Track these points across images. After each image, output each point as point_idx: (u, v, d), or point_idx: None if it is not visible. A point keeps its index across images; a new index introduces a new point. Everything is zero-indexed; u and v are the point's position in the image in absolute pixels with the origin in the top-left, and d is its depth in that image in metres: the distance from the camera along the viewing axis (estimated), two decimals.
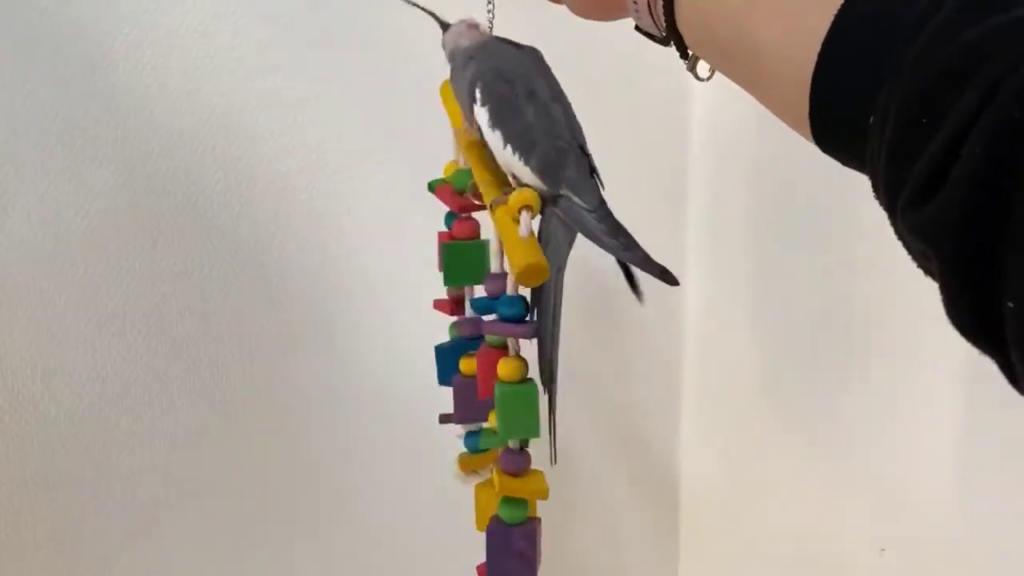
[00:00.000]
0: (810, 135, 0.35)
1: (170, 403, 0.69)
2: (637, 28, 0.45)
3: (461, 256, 0.55)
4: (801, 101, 0.34)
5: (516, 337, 0.46)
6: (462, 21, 0.50)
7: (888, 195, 0.30)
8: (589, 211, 0.46)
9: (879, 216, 0.32)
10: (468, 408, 0.54)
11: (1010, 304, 0.25)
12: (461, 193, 0.54)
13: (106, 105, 0.65)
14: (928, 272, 0.29)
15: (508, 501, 0.49)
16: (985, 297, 0.26)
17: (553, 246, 0.49)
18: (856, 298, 0.88)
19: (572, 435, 0.92)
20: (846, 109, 0.32)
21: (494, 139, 0.46)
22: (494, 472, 0.50)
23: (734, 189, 1.00)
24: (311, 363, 0.76)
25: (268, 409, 0.74)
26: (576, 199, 0.46)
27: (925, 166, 0.27)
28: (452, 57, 0.48)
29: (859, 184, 0.33)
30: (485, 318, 0.51)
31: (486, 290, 0.49)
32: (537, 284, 0.45)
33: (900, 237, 0.30)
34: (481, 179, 0.50)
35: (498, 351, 0.48)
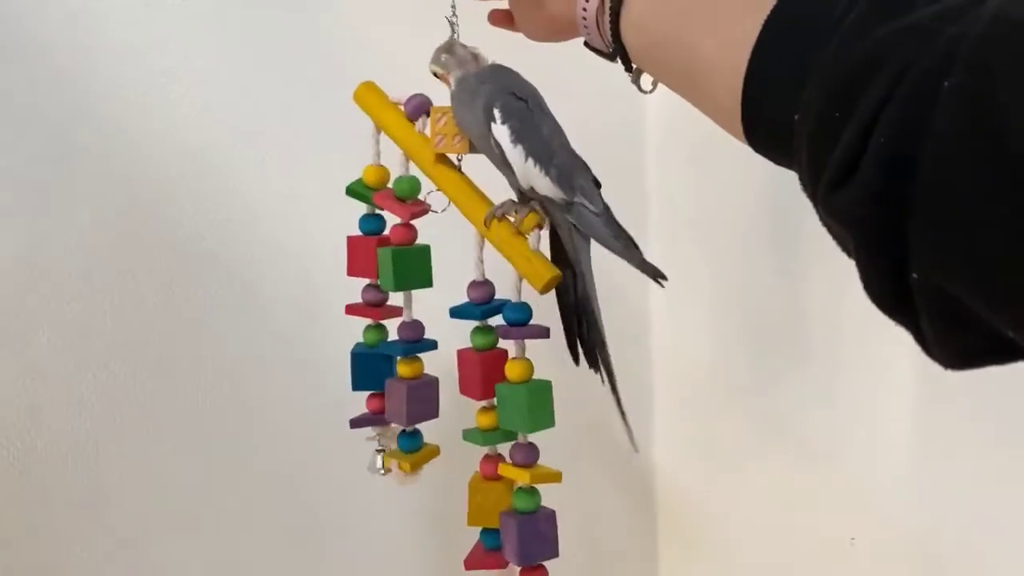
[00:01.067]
0: (743, 137, 0.38)
1: (156, 431, 0.70)
2: (586, 44, 0.49)
3: (409, 261, 0.55)
4: (734, 105, 0.37)
5: (535, 339, 0.51)
6: (464, 47, 0.53)
7: (811, 184, 0.33)
8: (596, 215, 0.51)
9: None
10: (420, 409, 0.56)
11: (915, 275, 0.28)
12: (403, 200, 0.56)
13: (86, 143, 0.66)
14: (847, 252, 0.32)
15: (523, 492, 0.52)
16: (895, 271, 0.29)
17: (580, 254, 0.53)
18: (814, 297, 0.92)
19: (545, 444, 0.94)
20: (774, 110, 0.35)
21: (515, 154, 0.49)
22: (500, 467, 0.53)
23: (690, 192, 1.04)
24: (294, 384, 0.77)
25: (253, 432, 0.75)
26: (588, 205, 0.51)
27: (839, 155, 0.30)
28: (461, 81, 0.51)
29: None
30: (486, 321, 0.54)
31: (471, 296, 0.53)
32: (550, 290, 0.50)
33: (823, 222, 0.33)
34: (462, 193, 0.53)
35: (494, 353, 0.52)
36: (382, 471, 0.59)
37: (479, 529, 0.56)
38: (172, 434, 0.71)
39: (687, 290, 1.04)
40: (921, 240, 0.28)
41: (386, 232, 0.58)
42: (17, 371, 0.64)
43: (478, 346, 0.53)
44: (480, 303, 0.53)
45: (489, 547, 0.55)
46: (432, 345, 0.57)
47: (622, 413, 0.55)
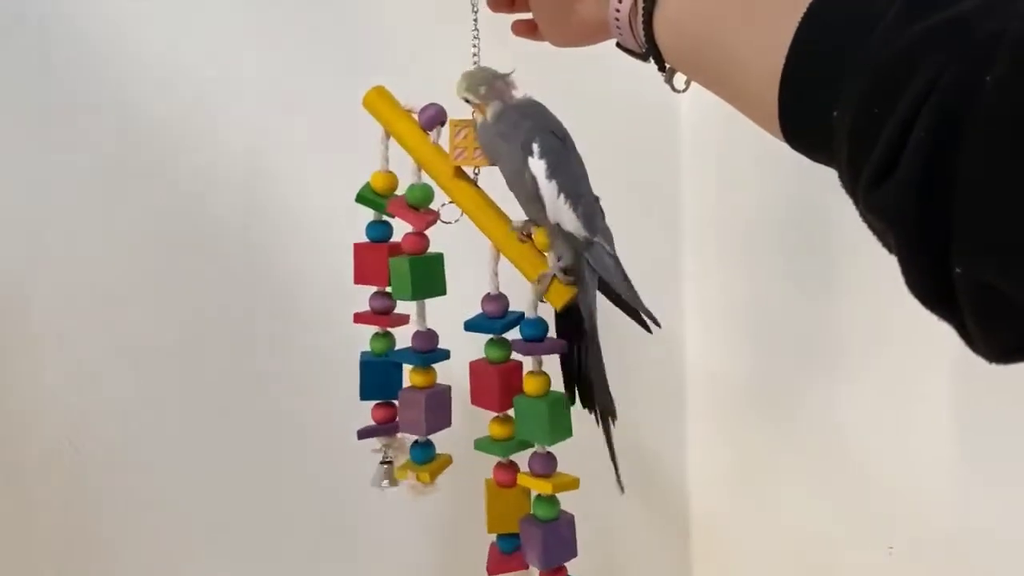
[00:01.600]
0: (780, 134, 0.38)
1: (199, 436, 0.72)
2: (618, 45, 0.49)
3: (426, 270, 0.54)
4: (771, 102, 0.37)
5: (552, 354, 0.52)
6: (502, 79, 0.53)
7: (851, 181, 0.33)
8: (611, 257, 0.52)
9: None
10: (437, 418, 0.56)
11: (958, 269, 0.28)
12: (416, 209, 0.55)
13: (135, 149, 0.68)
14: (888, 248, 0.32)
15: (543, 500, 0.53)
16: (937, 266, 0.29)
17: (590, 291, 0.53)
18: (849, 304, 0.91)
19: (580, 455, 0.94)
20: (812, 107, 0.35)
21: (549, 188, 0.50)
22: (520, 478, 0.53)
23: (725, 203, 1.04)
24: (341, 387, 0.78)
25: (292, 439, 0.77)
26: (606, 246, 0.52)
27: (880, 151, 0.30)
28: (502, 114, 0.51)
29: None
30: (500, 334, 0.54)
31: (486, 310, 0.53)
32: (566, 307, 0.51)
33: (864, 219, 0.33)
34: (479, 208, 0.53)
35: (510, 365, 0.53)
36: (388, 484, 0.59)
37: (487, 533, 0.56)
38: (214, 439, 0.72)
39: (721, 302, 1.04)
40: (963, 234, 0.28)
41: (393, 240, 0.58)
42: (68, 376, 0.66)
43: (493, 359, 0.53)
44: (496, 317, 0.53)
45: (506, 551, 0.55)
46: (445, 355, 0.57)
47: (612, 453, 0.55)
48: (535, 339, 0.52)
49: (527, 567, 0.54)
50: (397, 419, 0.58)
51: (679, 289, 1.07)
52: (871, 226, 0.33)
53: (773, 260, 0.99)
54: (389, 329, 0.59)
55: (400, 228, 0.56)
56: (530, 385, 0.52)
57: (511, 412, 0.53)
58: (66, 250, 0.65)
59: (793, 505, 0.99)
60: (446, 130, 0.53)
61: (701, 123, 1.03)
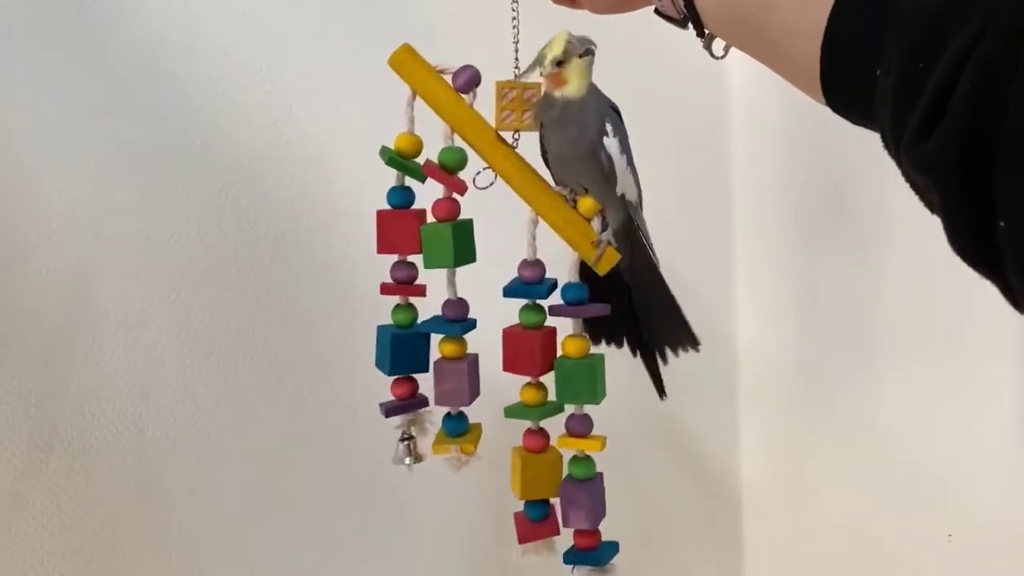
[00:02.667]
0: (822, 97, 0.38)
1: (256, 418, 0.73)
2: (656, 12, 0.49)
3: (463, 237, 0.53)
4: (812, 64, 0.37)
5: (596, 315, 0.53)
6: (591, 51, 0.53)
7: (894, 138, 0.33)
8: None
9: (920, 206, 0.34)
10: (475, 387, 0.55)
11: (1002, 224, 0.28)
12: (452, 172, 0.53)
13: (191, 141, 0.70)
14: (931, 207, 0.32)
15: (581, 460, 0.54)
16: (981, 221, 0.29)
17: (640, 249, 0.57)
18: (901, 291, 0.90)
19: (631, 444, 0.94)
20: (855, 66, 0.35)
21: (621, 162, 0.52)
22: (563, 440, 0.54)
23: (776, 191, 1.03)
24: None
25: (350, 422, 0.78)
26: (642, 225, 0.55)
27: (924, 105, 0.30)
28: (590, 87, 0.52)
29: (898, 172, 0.36)
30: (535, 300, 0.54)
31: (524, 275, 0.53)
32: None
33: (906, 176, 0.33)
34: (523, 173, 0.53)
35: (548, 330, 0.53)
36: (412, 461, 0.58)
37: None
38: (271, 420, 0.74)
39: (773, 288, 1.03)
40: (1009, 187, 0.27)
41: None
42: (130, 359, 0.67)
43: (530, 324, 0.53)
44: (534, 282, 0.53)
45: (536, 518, 0.55)
46: (474, 323, 0.56)
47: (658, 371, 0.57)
48: (579, 302, 0.52)
49: (559, 532, 0.55)
50: (418, 393, 0.57)
51: (730, 276, 1.06)
52: (913, 184, 0.32)
53: (825, 246, 0.98)
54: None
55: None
56: (574, 347, 0.53)
57: (542, 378, 0.53)
58: (128, 235, 0.67)
59: (847, 491, 0.98)
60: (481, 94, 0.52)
61: (754, 104, 1.02)
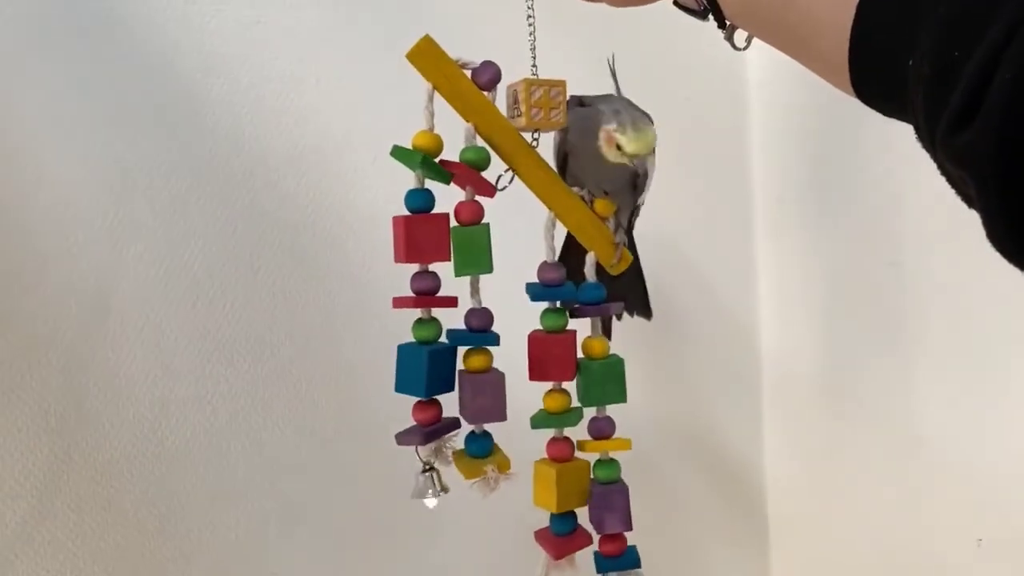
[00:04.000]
0: (851, 88, 0.37)
1: (275, 427, 0.73)
2: (676, 3, 0.48)
3: (488, 240, 0.50)
4: (840, 54, 0.36)
5: (612, 314, 0.53)
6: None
7: (928, 129, 0.31)
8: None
9: (948, 202, 0.33)
10: (502, 404, 0.51)
11: None
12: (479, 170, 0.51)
13: (208, 149, 0.70)
14: (966, 199, 0.31)
15: (607, 463, 0.53)
16: (1021, 213, 0.28)
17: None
18: (928, 289, 0.89)
19: (656, 450, 0.93)
20: (885, 57, 0.34)
21: (651, 174, 0.54)
22: (589, 445, 0.53)
23: (797, 189, 1.01)
24: None
25: (369, 430, 0.77)
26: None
27: (960, 95, 0.29)
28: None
29: (926, 168, 0.35)
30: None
31: (547, 278, 0.51)
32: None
33: (941, 169, 0.32)
34: (547, 174, 0.51)
35: (565, 335, 0.51)
36: (435, 493, 0.53)
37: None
38: (291, 428, 0.73)
39: (796, 286, 1.02)
40: None
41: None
42: (148, 369, 0.67)
43: (553, 328, 0.51)
44: (555, 285, 0.51)
45: (564, 532, 0.53)
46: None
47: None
48: (599, 301, 0.51)
49: (591, 541, 0.53)
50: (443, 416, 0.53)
51: (752, 276, 1.05)
52: (949, 177, 0.31)
53: (849, 243, 0.97)
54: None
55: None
56: (597, 348, 0.52)
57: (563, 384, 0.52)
58: (145, 246, 0.67)
59: (874, 494, 0.96)
60: (501, 91, 0.51)
61: (773, 98, 1.01)
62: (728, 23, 0.46)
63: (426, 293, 0.50)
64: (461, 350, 0.52)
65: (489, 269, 0.50)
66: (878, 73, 0.35)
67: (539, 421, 0.52)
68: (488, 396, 0.51)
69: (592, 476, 0.53)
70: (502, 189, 0.51)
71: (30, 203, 0.62)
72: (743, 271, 1.04)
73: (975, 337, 0.85)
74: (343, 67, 0.77)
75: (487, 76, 0.50)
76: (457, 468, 0.53)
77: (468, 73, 0.50)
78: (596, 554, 0.53)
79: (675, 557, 0.98)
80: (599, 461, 0.53)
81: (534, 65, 0.52)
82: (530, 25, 0.52)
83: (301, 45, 0.75)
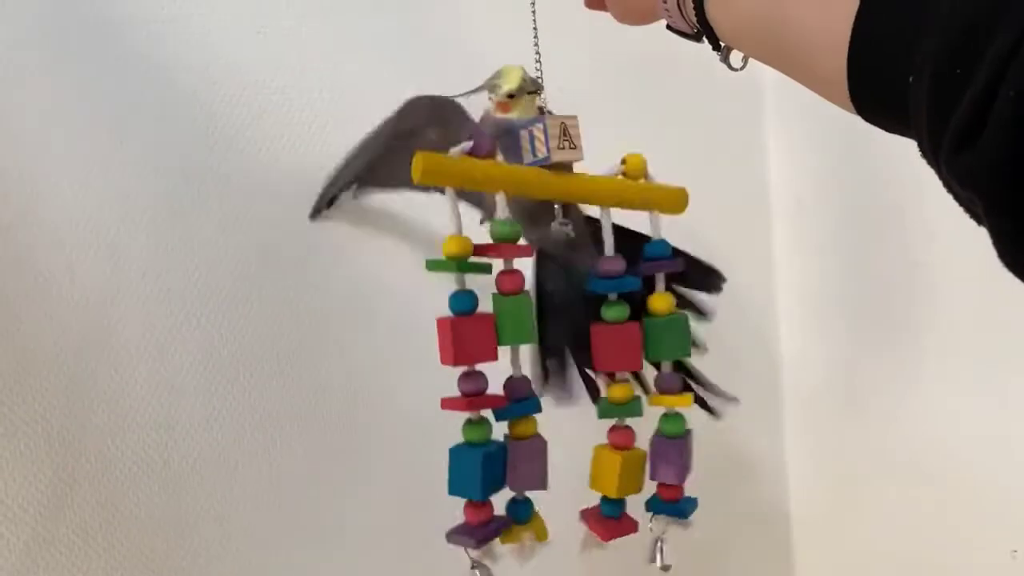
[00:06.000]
0: (851, 106, 0.36)
1: (284, 445, 0.71)
2: (669, 27, 0.47)
3: (531, 311, 0.51)
4: (839, 74, 0.35)
5: (674, 271, 0.56)
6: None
7: (932, 148, 0.31)
8: None
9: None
10: (537, 475, 0.53)
11: None
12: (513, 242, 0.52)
13: (210, 164, 0.69)
14: (976, 218, 0.30)
15: (672, 417, 0.56)
16: None
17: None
18: (954, 288, 0.86)
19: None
20: (884, 75, 0.33)
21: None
22: (654, 399, 0.56)
23: (815, 187, 0.99)
24: (419, 400, 0.77)
25: (382, 447, 0.76)
26: None
27: (963, 113, 0.28)
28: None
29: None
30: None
31: (607, 270, 0.54)
32: None
33: (947, 187, 0.31)
34: (595, 180, 0.54)
35: (629, 325, 0.54)
36: None
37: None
38: (299, 447, 0.72)
39: (816, 293, 0.99)
40: None
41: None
42: (153, 388, 0.66)
43: (616, 318, 0.54)
44: (616, 277, 0.53)
45: (611, 515, 0.56)
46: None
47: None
48: (665, 257, 0.55)
49: (637, 528, 0.56)
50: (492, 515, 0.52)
51: (771, 287, 1.03)
52: (956, 195, 0.31)
53: (869, 252, 0.95)
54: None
55: None
56: (662, 303, 0.55)
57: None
58: (147, 263, 0.66)
59: (903, 509, 0.94)
60: None
61: (790, 105, 0.99)
62: (723, 44, 0.45)
63: (475, 394, 0.50)
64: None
65: (532, 339, 0.52)
66: (877, 91, 0.34)
67: (604, 411, 0.55)
68: (533, 464, 0.53)
69: (659, 427, 0.56)
70: (564, 225, 0.55)
71: (29, 220, 0.61)
72: (762, 283, 1.02)
73: (1003, 339, 0.83)
74: (347, 77, 0.75)
75: (485, 146, 0.50)
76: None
77: (457, 150, 0.49)
78: (653, 496, 0.57)
79: (696, 561, 0.96)
80: (664, 415, 0.56)
81: (539, 70, 0.53)
82: (534, 30, 0.53)
83: (304, 55, 0.74)
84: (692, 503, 0.57)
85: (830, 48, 0.35)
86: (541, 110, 0.53)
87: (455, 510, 0.78)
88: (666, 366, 0.56)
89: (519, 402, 0.52)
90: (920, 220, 0.88)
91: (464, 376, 0.50)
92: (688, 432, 0.57)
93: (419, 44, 0.79)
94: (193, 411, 0.68)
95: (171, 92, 0.68)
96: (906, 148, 0.35)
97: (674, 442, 0.56)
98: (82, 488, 0.63)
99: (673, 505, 0.56)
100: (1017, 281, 0.30)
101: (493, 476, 0.51)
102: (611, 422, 0.56)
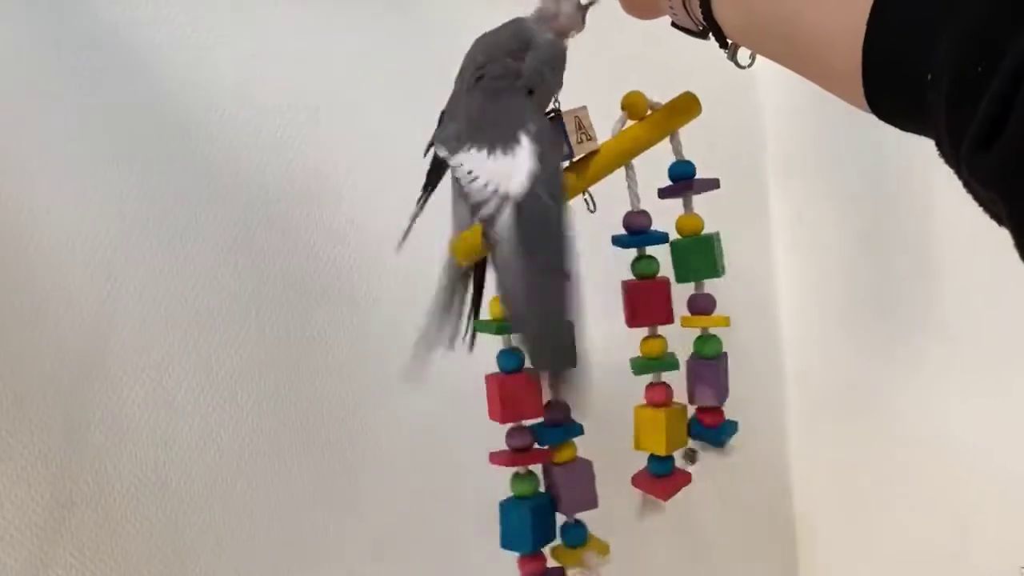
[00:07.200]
0: (865, 105, 0.35)
1: (282, 464, 0.71)
2: (674, 24, 0.47)
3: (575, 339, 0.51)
4: (853, 72, 0.34)
5: (709, 191, 0.56)
6: None
7: (952, 147, 0.30)
8: None
9: (975, 206, 0.31)
10: (587, 496, 0.54)
11: None
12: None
13: (206, 185, 0.69)
14: (997, 218, 0.29)
15: (708, 338, 0.57)
16: None
17: None
18: (957, 296, 0.85)
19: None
20: (902, 72, 0.32)
21: None
22: (686, 320, 0.56)
23: (817, 201, 0.99)
24: (418, 417, 0.77)
25: (377, 466, 0.75)
26: None
27: (984, 112, 0.27)
28: None
29: (951, 172, 0.33)
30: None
31: (634, 223, 0.55)
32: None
33: (967, 187, 0.30)
34: (619, 144, 0.54)
35: (659, 280, 0.55)
36: None
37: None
38: (297, 465, 0.72)
39: (818, 299, 0.99)
40: None
41: None
42: (150, 409, 0.66)
43: (647, 273, 0.54)
44: (642, 231, 0.54)
45: (664, 472, 0.56)
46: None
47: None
48: (688, 176, 0.56)
49: (690, 479, 0.57)
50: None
51: (774, 293, 1.03)
52: (976, 195, 0.30)
53: (873, 254, 0.94)
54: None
55: None
56: (690, 224, 0.55)
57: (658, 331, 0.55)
58: (144, 284, 0.66)
59: (909, 516, 0.93)
60: None
61: (788, 109, 0.99)
62: (730, 42, 0.45)
63: (522, 449, 0.52)
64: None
65: (576, 365, 0.50)
66: (894, 90, 0.33)
67: (640, 367, 0.55)
68: (582, 487, 0.53)
69: (694, 349, 0.57)
70: (593, 211, 0.54)
71: (25, 244, 0.61)
72: (764, 275, 1.02)
73: (1008, 341, 0.82)
74: (343, 98, 0.76)
75: None
76: (554, 558, 0.54)
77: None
78: (692, 418, 0.57)
79: (701, 563, 0.95)
80: (699, 337, 0.56)
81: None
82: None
83: (300, 77, 0.74)
84: (730, 428, 0.57)
85: (844, 46, 0.34)
86: (554, 109, 0.53)
87: (455, 528, 0.77)
88: (699, 287, 0.56)
89: (561, 427, 0.53)
90: (925, 225, 0.88)
91: (512, 432, 0.52)
92: (724, 354, 0.56)
93: (420, 62, 0.79)
94: (191, 431, 0.67)
95: (167, 114, 0.68)
96: (911, 151, 0.35)
97: (710, 363, 0.55)
98: (80, 510, 0.62)
99: (713, 431, 0.56)
100: (1020, 284, 0.29)
101: (543, 528, 0.52)
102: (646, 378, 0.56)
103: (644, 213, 0.55)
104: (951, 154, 0.30)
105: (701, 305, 0.56)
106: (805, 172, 1.00)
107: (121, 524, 0.64)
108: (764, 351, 1.03)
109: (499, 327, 0.51)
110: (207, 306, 0.68)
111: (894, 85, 0.33)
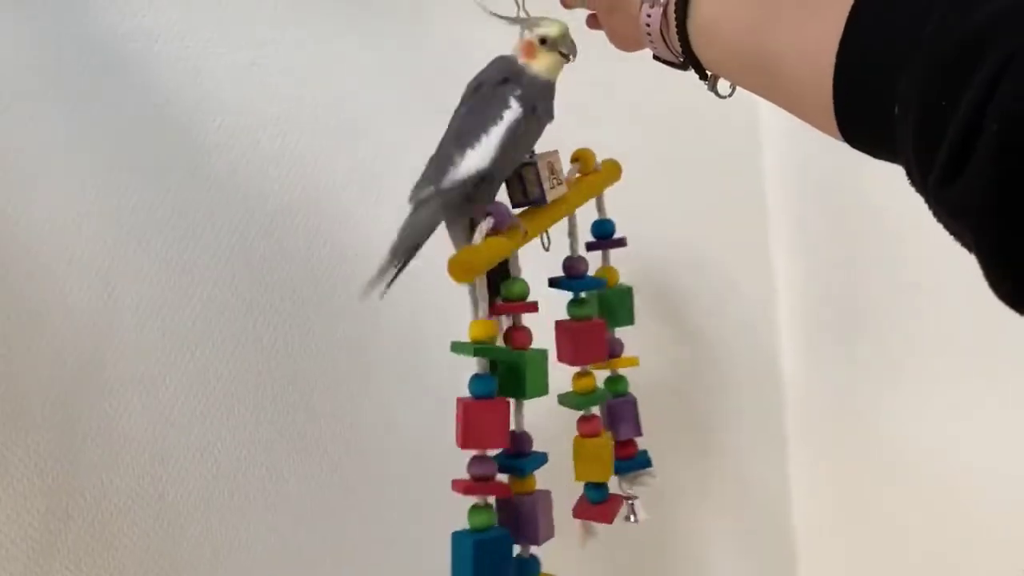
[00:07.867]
0: (838, 134, 0.36)
1: (280, 476, 0.71)
2: (655, 57, 0.48)
3: (546, 366, 0.54)
4: (825, 102, 0.35)
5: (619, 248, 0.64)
6: None
7: (919, 179, 0.31)
8: None
9: None
10: (550, 524, 0.54)
11: None
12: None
13: (203, 197, 0.69)
14: (968, 248, 0.30)
15: (614, 379, 0.64)
16: (1019, 263, 0.27)
17: None
18: (953, 309, 0.86)
19: (676, 487, 0.90)
20: (871, 104, 0.33)
21: None
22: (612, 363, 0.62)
23: (814, 214, 0.99)
24: (415, 429, 0.77)
25: (375, 477, 0.75)
26: None
27: (948, 147, 0.28)
28: None
29: None
30: None
31: (573, 270, 0.59)
32: None
33: (936, 216, 0.31)
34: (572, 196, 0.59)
35: (595, 322, 0.59)
36: None
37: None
38: (294, 478, 0.72)
39: (817, 310, 0.99)
40: None
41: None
42: (147, 422, 0.66)
43: (582, 316, 0.57)
44: (580, 277, 0.58)
45: (601, 499, 0.59)
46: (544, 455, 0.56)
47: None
48: (608, 234, 0.62)
49: (622, 500, 0.60)
50: None
51: (772, 306, 1.03)
52: (946, 225, 0.31)
53: (866, 269, 0.94)
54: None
55: None
56: (610, 276, 0.62)
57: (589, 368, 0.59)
58: (141, 296, 0.66)
59: (909, 531, 0.93)
60: None
61: (781, 119, 0.99)
62: (709, 74, 0.46)
63: (484, 479, 0.50)
64: None
65: (546, 392, 0.53)
66: (864, 122, 0.34)
67: (572, 402, 0.58)
68: (548, 516, 0.54)
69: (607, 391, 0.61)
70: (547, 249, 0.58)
71: (22, 256, 0.61)
72: (762, 302, 1.02)
73: (1004, 353, 0.82)
74: (342, 108, 0.76)
75: (507, 219, 0.52)
76: None
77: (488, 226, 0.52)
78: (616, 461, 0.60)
79: None
80: (609, 378, 0.63)
81: None
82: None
83: (298, 87, 0.74)
84: (645, 454, 0.62)
85: (815, 79, 0.35)
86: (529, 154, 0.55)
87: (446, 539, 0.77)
88: (611, 334, 0.62)
89: (525, 457, 0.53)
90: (920, 240, 0.88)
91: (474, 459, 0.50)
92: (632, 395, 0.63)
93: (417, 72, 0.79)
94: (188, 443, 0.67)
95: (165, 125, 0.68)
96: (900, 169, 0.35)
97: (626, 400, 0.62)
98: (76, 523, 0.62)
99: (635, 460, 0.62)
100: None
101: (491, 563, 0.49)
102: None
103: (583, 259, 0.59)
104: (920, 184, 0.31)
105: (617, 349, 0.63)
106: (804, 184, 1.00)
107: (117, 536, 0.64)
108: (762, 365, 1.03)
109: (476, 349, 0.50)
110: (204, 316, 0.68)
111: (864, 118, 0.34)
